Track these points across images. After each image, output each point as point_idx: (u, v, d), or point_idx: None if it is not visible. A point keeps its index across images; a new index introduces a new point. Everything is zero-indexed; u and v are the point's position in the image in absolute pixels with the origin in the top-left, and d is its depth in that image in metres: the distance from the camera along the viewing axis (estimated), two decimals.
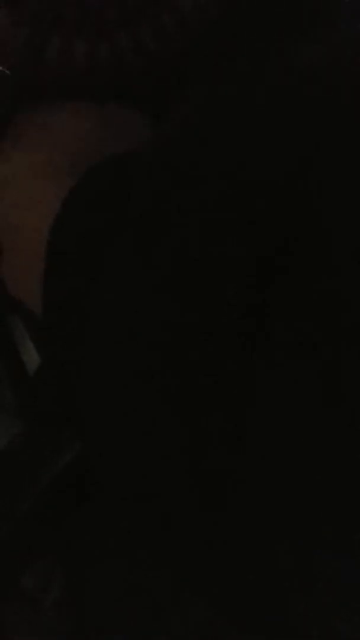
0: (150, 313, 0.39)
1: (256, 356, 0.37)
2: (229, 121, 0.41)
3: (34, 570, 0.54)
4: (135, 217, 0.42)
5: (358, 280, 0.35)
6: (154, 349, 0.39)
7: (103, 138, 0.49)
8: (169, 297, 0.39)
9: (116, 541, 0.45)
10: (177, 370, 0.38)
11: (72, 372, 0.44)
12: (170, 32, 0.51)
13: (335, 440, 0.35)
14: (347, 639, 0.37)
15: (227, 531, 0.37)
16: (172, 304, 0.39)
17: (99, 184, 0.44)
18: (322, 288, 0.36)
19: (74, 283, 0.43)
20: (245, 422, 0.36)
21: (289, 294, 0.37)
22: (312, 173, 0.37)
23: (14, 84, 0.49)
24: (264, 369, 0.36)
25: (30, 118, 0.50)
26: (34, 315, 0.48)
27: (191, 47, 0.51)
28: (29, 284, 0.45)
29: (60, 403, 0.47)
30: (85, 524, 0.49)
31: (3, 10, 0.50)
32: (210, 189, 0.39)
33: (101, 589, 0.48)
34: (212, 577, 0.40)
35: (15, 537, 0.50)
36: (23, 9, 0.50)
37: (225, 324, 0.37)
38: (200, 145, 0.41)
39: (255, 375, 0.36)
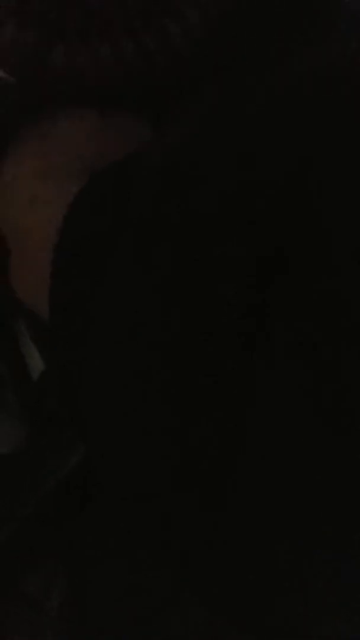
0: (150, 313, 0.39)
1: (256, 356, 0.37)
2: (228, 121, 0.41)
3: (36, 574, 0.54)
4: (135, 218, 0.42)
5: (358, 280, 0.35)
6: (154, 349, 0.39)
7: (104, 143, 0.49)
8: (169, 297, 0.39)
9: (116, 541, 0.45)
10: (177, 370, 0.38)
11: (74, 372, 0.44)
12: (174, 39, 0.51)
13: (335, 440, 0.35)
14: (347, 639, 0.37)
15: (227, 531, 0.37)
16: (172, 304, 0.39)
17: (102, 188, 0.45)
18: (322, 288, 0.36)
19: (79, 285, 0.43)
20: (245, 422, 0.36)
21: (289, 294, 0.37)
22: (312, 173, 0.37)
23: (19, 90, 0.50)
24: (264, 369, 0.36)
25: (36, 123, 0.50)
26: (37, 319, 0.48)
27: (194, 53, 0.51)
28: (36, 286, 0.45)
29: (64, 405, 0.47)
30: (86, 524, 0.49)
31: (11, 18, 0.50)
32: (210, 189, 0.39)
33: (101, 589, 0.48)
34: (212, 577, 0.39)
35: (18, 537, 0.50)
36: (28, 14, 0.50)
37: (225, 324, 0.37)
38: (200, 145, 0.41)
39: (255, 375, 0.36)
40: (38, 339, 0.53)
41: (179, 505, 0.39)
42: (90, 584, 0.51)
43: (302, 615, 0.37)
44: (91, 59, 0.51)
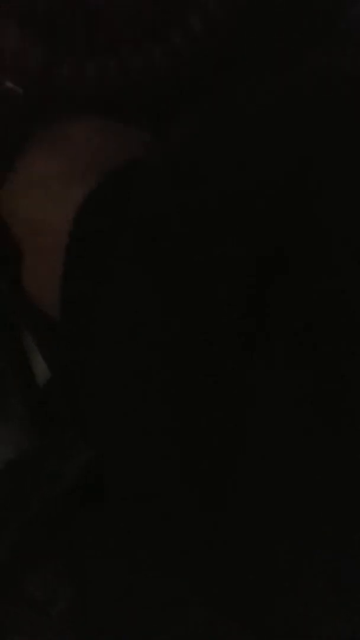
0: (150, 313, 0.39)
1: (256, 356, 0.37)
2: (228, 121, 0.41)
3: (38, 575, 0.54)
4: (135, 218, 0.42)
5: (358, 280, 0.35)
6: (154, 349, 0.39)
7: (111, 148, 0.50)
8: (169, 297, 0.39)
9: (116, 541, 0.45)
10: (177, 370, 0.38)
11: (76, 372, 0.44)
12: (178, 49, 0.52)
13: (335, 440, 0.35)
14: (347, 639, 0.37)
15: (227, 531, 0.37)
16: (172, 304, 0.39)
17: (106, 190, 0.45)
18: (322, 288, 0.36)
19: (82, 286, 0.43)
20: (245, 422, 0.36)
21: (289, 294, 0.37)
22: (312, 173, 0.37)
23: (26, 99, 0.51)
24: (264, 369, 0.36)
25: (48, 129, 0.50)
26: (44, 324, 0.48)
27: (197, 60, 0.52)
28: (49, 286, 0.46)
29: (67, 405, 0.48)
30: (86, 524, 0.49)
31: (18, 30, 0.51)
32: (210, 189, 0.39)
33: (101, 589, 0.49)
34: (212, 577, 0.39)
35: (22, 540, 0.51)
36: (37, 28, 0.51)
37: (225, 324, 0.37)
38: (200, 145, 0.41)
39: (256, 375, 0.36)
40: (43, 346, 0.54)
41: (179, 505, 0.39)
42: (90, 584, 0.51)
43: (302, 615, 0.37)
44: (97, 71, 0.52)
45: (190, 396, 0.38)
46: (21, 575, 0.53)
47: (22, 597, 0.54)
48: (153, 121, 0.52)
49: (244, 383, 0.37)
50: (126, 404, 0.40)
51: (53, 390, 0.53)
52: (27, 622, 0.54)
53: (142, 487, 0.41)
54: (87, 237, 0.44)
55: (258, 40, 0.52)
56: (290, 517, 0.36)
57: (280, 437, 0.36)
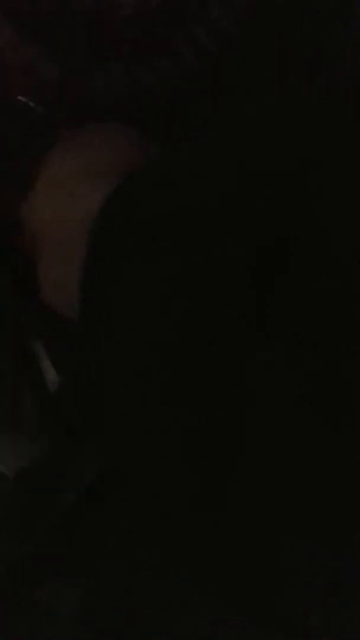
0: (151, 314, 0.39)
1: (256, 356, 0.37)
2: (228, 122, 0.41)
3: (48, 584, 0.54)
4: (139, 219, 0.42)
5: (358, 280, 0.36)
6: (154, 349, 0.39)
7: (131, 153, 0.51)
8: (170, 298, 0.39)
9: (116, 541, 0.45)
10: (178, 370, 0.38)
11: (82, 373, 0.44)
12: (186, 60, 0.53)
13: (336, 440, 0.35)
14: (347, 639, 0.37)
15: (227, 531, 0.37)
16: (173, 305, 0.39)
17: (120, 194, 0.46)
18: (322, 288, 0.36)
19: (96, 286, 0.43)
20: (245, 422, 0.36)
21: (289, 294, 0.37)
22: (312, 173, 0.37)
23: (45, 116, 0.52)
24: (264, 369, 0.36)
25: (73, 135, 0.51)
26: (55, 327, 0.49)
27: (206, 76, 0.53)
28: (66, 285, 0.46)
29: (79, 410, 0.48)
30: (86, 524, 0.49)
31: (35, 48, 0.52)
32: (210, 190, 0.39)
33: (102, 589, 0.48)
34: (212, 577, 0.40)
35: (36, 548, 0.51)
36: (54, 46, 0.52)
37: (226, 325, 0.37)
38: (200, 145, 0.41)
39: (256, 375, 0.36)
40: (54, 353, 0.54)
41: (179, 505, 0.39)
42: (90, 584, 0.51)
43: (302, 615, 0.37)
44: (107, 86, 0.53)
45: (191, 396, 0.38)
46: (33, 582, 0.53)
47: (27, 601, 0.54)
48: (159, 126, 0.53)
49: (244, 383, 0.37)
50: (126, 404, 0.40)
51: (63, 396, 0.53)
52: (32, 626, 0.54)
53: (143, 487, 0.41)
54: (105, 235, 0.45)
55: (258, 40, 0.52)
56: (290, 517, 0.36)
57: (280, 437, 0.36)
